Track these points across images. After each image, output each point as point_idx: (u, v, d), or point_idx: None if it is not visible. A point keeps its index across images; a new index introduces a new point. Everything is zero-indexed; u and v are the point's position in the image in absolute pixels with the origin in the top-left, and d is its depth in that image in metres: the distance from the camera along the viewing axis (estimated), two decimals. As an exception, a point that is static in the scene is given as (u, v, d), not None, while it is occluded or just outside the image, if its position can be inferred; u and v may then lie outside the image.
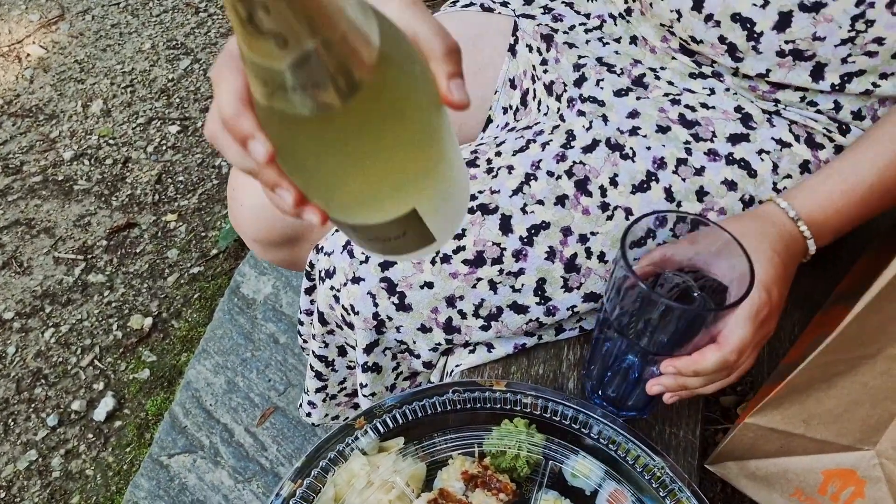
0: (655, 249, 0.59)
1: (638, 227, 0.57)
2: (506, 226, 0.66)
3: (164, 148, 1.71)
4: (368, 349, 0.73)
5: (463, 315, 0.68)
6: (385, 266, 0.68)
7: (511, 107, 0.81)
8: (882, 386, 0.55)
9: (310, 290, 0.80)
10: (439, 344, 0.71)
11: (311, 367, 0.86)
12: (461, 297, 0.67)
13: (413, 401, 0.60)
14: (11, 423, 1.29)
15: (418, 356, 0.74)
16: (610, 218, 0.66)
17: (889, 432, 0.56)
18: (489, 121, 0.83)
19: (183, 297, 1.46)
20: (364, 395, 0.77)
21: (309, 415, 0.92)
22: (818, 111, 0.68)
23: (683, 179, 0.67)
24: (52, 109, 1.81)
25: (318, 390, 0.87)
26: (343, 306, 0.71)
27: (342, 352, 0.83)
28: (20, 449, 1.25)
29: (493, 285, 0.67)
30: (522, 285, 0.67)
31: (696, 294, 0.59)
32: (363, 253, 0.68)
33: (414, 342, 0.71)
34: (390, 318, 0.69)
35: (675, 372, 0.57)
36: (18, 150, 1.72)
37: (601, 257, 0.67)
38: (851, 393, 0.56)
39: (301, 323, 0.88)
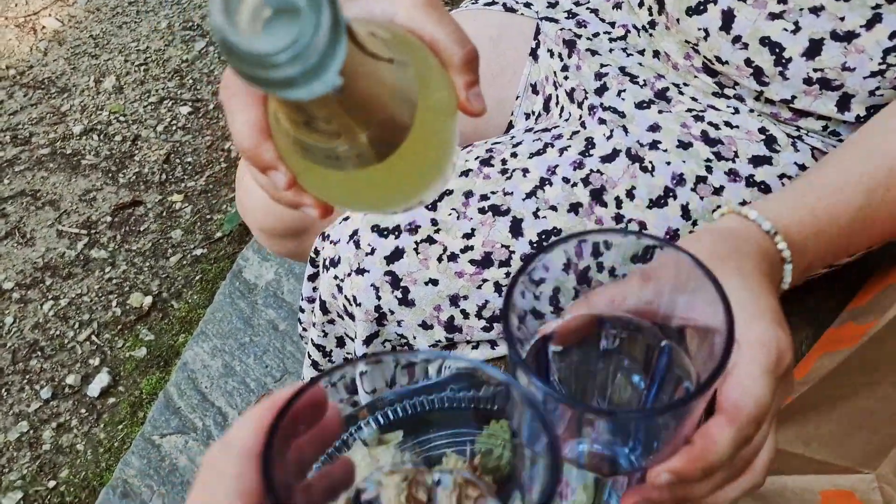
0: (594, 292, 0.43)
1: (545, 260, 0.40)
2: (516, 229, 0.66)
3: (174, 128, 1.70)
4: (368, 340, 0.73)
5: (465, 315, 0.68)
6: (390, 259, 0.68)
7: (533, 112, 0.81)
8: (884, 411, 0.55)
9: (313, 277, 0.80)
10: (439, 341, 0.70)
11: (309, 356, 0.86)
12: (465, 297, 0.67)
13: (413, 396, 0.60)
14: (4, 394, 1.29)
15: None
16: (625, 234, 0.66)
17: (891, 457, 0.56)
18: (510, 126, 0.83)
19: (184, 279, 1.46)
20: (364, 390, 0.77)
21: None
22: (840, 140, 0.67)
23: (701, 198, 0.66)
24: (64, 83, 1.80)
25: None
26: (346, 296, 0.71)
27: (340, 343, 0.83)
28: (12, 419, 1.25)
29: (498, 287, 0.67)
30: (541, 293, 0.67)
31: (661, 344, 0.42)
32: (369, 244, 0.68)
33: (414, 337, 0.71)
34: (392, 312, 0.69)
35: (674, 480, 0.37)
36: (28, 122, 1.72)
37: (612, 272, 0.67)
38: (852, 417, 0.56)
39: (302, 310, 0.88)
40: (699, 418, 0.39)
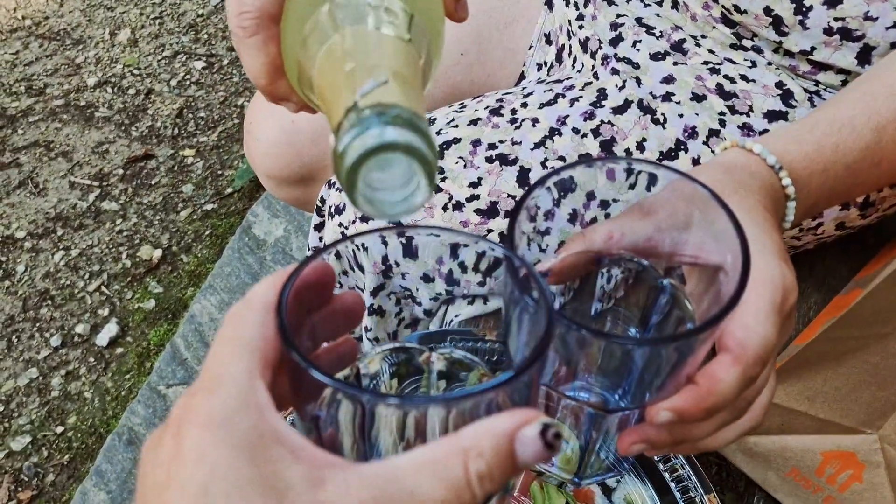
0: (590, 229, 0.42)
1: (543, 189, 0.39)
2: (524, 179, 0.65)
3: (187, 83, 1.69)
4: (375, 292, 0.73)
5: (463, 268, 0.67)
6: (397, 207, 0.67)
7: (546, 63, 0.79)
8: (893, 367, 0.54)
9: (319, 227, 0.79)
10: (440, 294, 0.70)
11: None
12: (466, 245, 0.66)
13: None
14: (15, 340, 1.30)
15: (420, 304, 0.73)
16: (632, 187, 0.65)
17: (895, 417, 0.55)
18: (521, 77, 0.81)
19: (194, 233, 1.46)
20: (368, 339, 0.77)
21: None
22: None
23: (713, 151, 0.65)
24: (79, 35, 1.79)
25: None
26: (356, 244, 0.70)
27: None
28: (21, 366, 1.26)
29: (503, 239, 0.66)
30: (547, 245, 0.66)
31: (662, 283, 0.40)
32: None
33: (417, 289, 0.71)
34: (397, 264, 0.68)
35: (674, 419, 0.36)
36: (43, 73, 1.72)
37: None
38: (860, 373, 0.55)
39: (309, 261, 0.87)
40: (702, 357, 0.37)
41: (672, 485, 0.58)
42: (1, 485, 1.12)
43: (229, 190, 1.53)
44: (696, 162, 0.64)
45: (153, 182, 1.54)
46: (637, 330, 0.43)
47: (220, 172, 1.56)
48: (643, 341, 0.37)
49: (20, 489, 1.11)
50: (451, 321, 0.72)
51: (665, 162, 0.64)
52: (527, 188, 0.39)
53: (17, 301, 1.35)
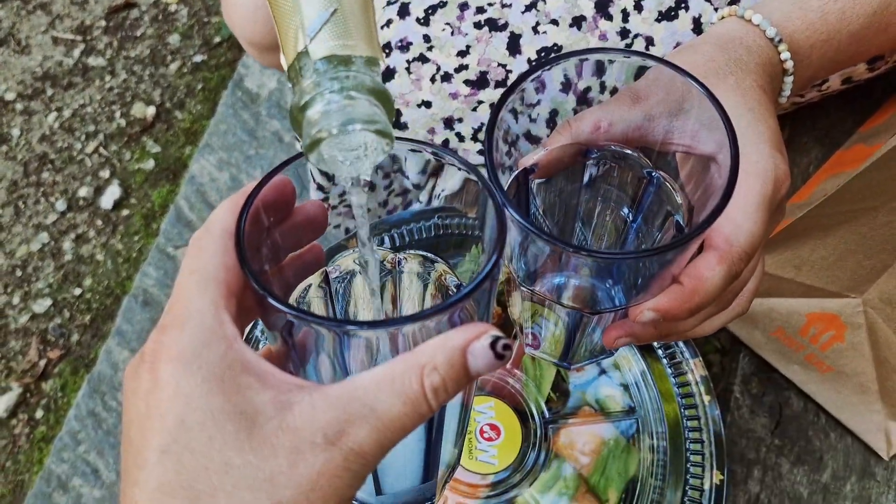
0: (576, 118, 0.40)
1: (539, 79, 0.38)
2: (514, 46, 0.62)
3: (161, -80, 1.58)
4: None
5: (460, 138, 0.66)
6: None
7: None
8: (880, 237, 0.54)
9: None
10: (428, 161, 0.69)
11: (313, 179, 0.86)
12: (460, 120, 0.65)
13: (402, 224, 0.60)
14: (22, 206, 1.31)
15: (408, 176, 0.73)
16: (629, 47, 0.62)
17: (879, 283, 0.57)
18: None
19: (186, 87, 1.43)
20: (359, 213, 0.77)
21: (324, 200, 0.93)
22: None
23: (716, 8, 0.61)
24: None
25: (325, 176, 0.87)
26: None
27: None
28: (32, 231, 1.29)
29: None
30: (538, 115, 0.65)
31: (649, 175, 0.40)
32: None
33: (405, 160, 0.70)
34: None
35: (659, 318, 0.37)
36: (6, -85, 1.60)
37: (615, 93, 0.64)
38: (847, 242, 0.55)
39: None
40: (688, 258, 0.38)
41: (659, 352, 0.60)
42: (31, 345, 1.18)
43: (217, 39, 1.47)
44: (696, 21, 0.61)
45: (138, 34, 1.49)
46: (628, 208, 0.43)
47: (206, 20, 1.50)
48: (618, 257, 0.37)
49: (49, 349, 1.17)
50: (439, 195, 0.72)
51: (664, 23, 0.61)
52: (503, 92, 0.38)
53: (18, 166, 1.35)
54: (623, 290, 0.40)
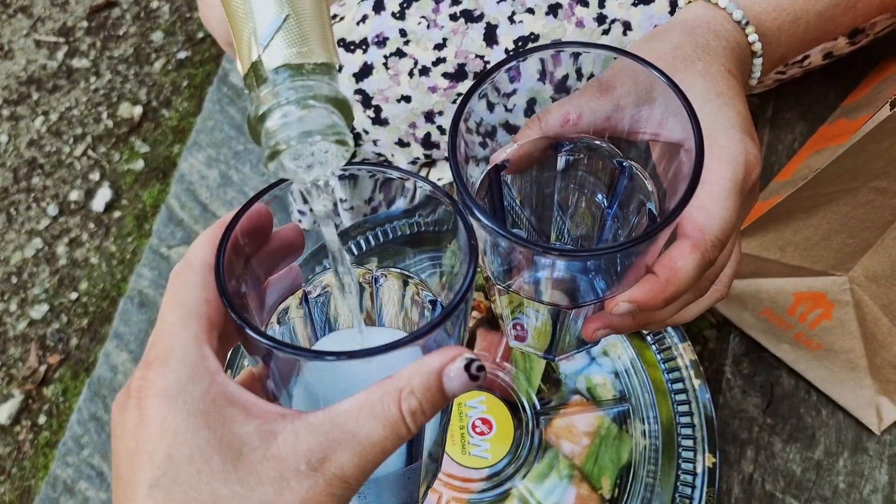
0: (544, 112, 0.40)
1: (511, 69, 0.38)
2: (491, 36, 0.62)
3: (137, -84, 1.56)
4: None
5: (442, 131, 0.66)
6: (359, 77, 0.64)
7: None
8: (861, 216, 0.54)
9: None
10: (418, 158, 0.69)
11: (294, 203, 0.86)
12: (440, 113, 0.65)
13: (385, 223, 0.60)
14: (14, 212, 1.31)
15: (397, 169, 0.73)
16: (606, 32, 0.62)
17: (864, 260, 0.57)
18: None
19: (171, 85, 1.42)
20: (344, 210, 0.77)
21: (300, 221, 0.93)
22: None
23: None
24: None
25: (304, 201, 0.87)
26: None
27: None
28: (25, 237, 1.29)
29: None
30: (514, 105, 0.64)
31: (620, 165, 0.39)
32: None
33: (392, 155, 0.70)
34: (367, 132, 0.67)
35: (633, 309, 0.37)
36: (-19, -83, 1.58)
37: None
38: (830, 222, 0.55)
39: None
40: (660, 248, 0.38)
41: (649, 338, 0.60)
42: (30, 352, 1.18)
43: (200, 34, 1.46)
44: (673, 3, 0.61)
45: (121, 33, 1.47)
46: (603, 198, 0.43)
47: (188, 16, 1.48)
48: (584, 255, 0.37)
49: (48, 354, 1.18)
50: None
51: (641, 6, 0.61)
52: (465, 94, 0.38)
53: (8, 172, 1.35)
54: (601, 281, 0.40)
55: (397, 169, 0.35)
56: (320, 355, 0.27)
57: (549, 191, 0.44)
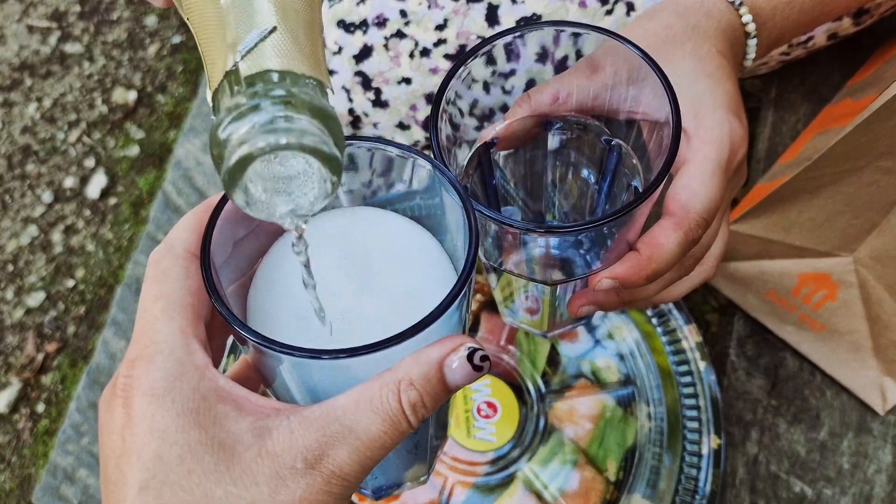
0: (535, 90, 0.41)
1: (501, 44, 0.38)
2: (492, 16, 0.61)
3: None
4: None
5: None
6: (359, 58, 0.64)
7: None
8: (867, 196, 0.53)
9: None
10: (418, 141, 0.68)
11: None
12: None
13: (385, 206, 0.59)
14: (8, 200, 1.30)
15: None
16: (609, 13, 0.61)
17: (869, 241, 0.56)
18: None
19: (166, 70, 1.41)
20: (344, 193, 0.76)
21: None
22: None
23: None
24: None
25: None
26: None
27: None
28: (20, 225, 1.28)
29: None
30: (513, 87, 0.64)
31: (608, 143, 0.40)
32: (335, 43, 0.64)
33: (392, 138, 0.69)
34: (367, 115, 0.66)
35: (616, 286, 0.38)
36: None
37: None
38: (835, 203, 0.55)
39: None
40: (642, 225, 0.38)
41: (654, 320, 0.60)
42: (27, 340, 1.18)
43: (195, 19, 1.45)
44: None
45: (114, 17, 1.46)
46: (592, 175, 0.43)
47: None
48: (565, 229, 0.37)
49: (46, 342, 1.17)
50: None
51: (641, -15, 0.60)
52: (453, 65, 0.38)
53: (2, 159, 1.34)
54: (588, 257, 0.40)
55: (397, 145, 0.33)
56: (313, 354, 0.25)
57: (540, 168, 0.44)
